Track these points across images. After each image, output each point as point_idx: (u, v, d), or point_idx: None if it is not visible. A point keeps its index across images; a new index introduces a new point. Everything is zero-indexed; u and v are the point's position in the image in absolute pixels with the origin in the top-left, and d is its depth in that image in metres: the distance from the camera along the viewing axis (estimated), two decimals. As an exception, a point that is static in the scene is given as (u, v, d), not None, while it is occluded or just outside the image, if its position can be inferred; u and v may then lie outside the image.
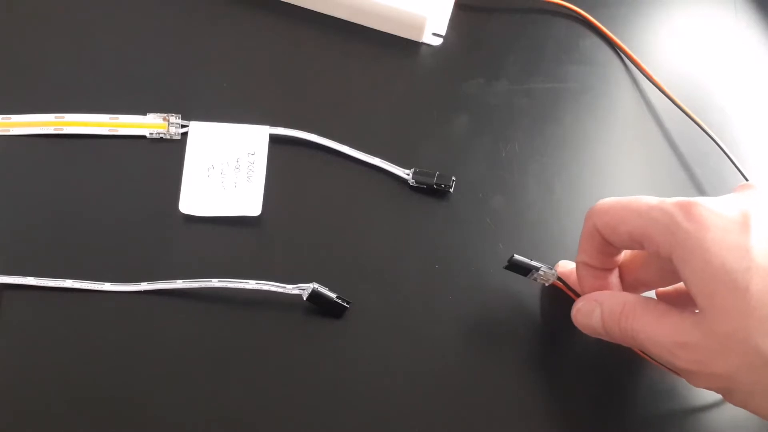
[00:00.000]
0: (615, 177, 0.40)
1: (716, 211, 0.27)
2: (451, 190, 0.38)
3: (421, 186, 0.38)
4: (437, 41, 0.44)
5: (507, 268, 0.34)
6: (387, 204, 0.38)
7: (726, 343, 0.26)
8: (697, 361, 0.27)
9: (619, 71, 0.44)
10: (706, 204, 0.27)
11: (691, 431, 0.34)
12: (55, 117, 0.38)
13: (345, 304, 0.34)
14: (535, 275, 0.34)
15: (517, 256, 0.33)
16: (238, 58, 0.42)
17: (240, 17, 0.44)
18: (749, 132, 0.43)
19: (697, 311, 0.27)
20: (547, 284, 0.35)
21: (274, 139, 0.39)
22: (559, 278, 0.34)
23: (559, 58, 0.44)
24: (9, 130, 0.38)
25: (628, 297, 0.30)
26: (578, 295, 0.33)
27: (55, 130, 0.38)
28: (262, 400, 0.33)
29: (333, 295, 0.34)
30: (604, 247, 0.31)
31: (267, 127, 0.39)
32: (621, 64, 0.44)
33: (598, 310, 0.31)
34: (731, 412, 0.34)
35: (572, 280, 0.34)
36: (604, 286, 0.33)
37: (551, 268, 0.34)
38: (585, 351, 0.35)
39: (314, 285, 0.34)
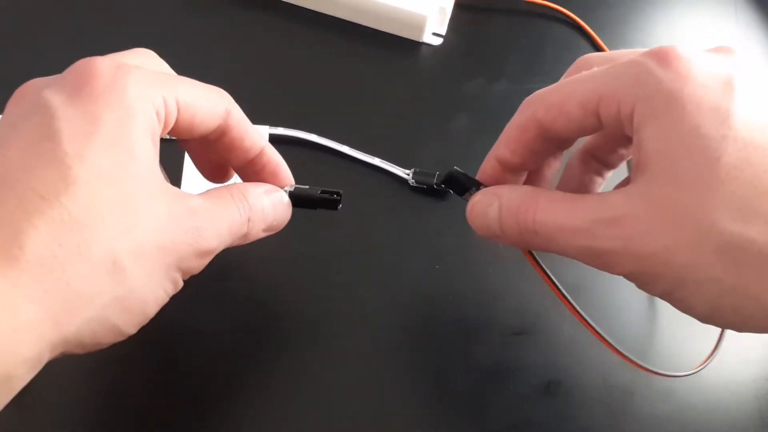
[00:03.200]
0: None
1: (697, 62, 0.22)
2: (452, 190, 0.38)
3: (421, 186, 0.38)
4: (437, 41, 0.44)
5: (443, 182, 0.29)
6: (387, 204, 0.38)
7: (673, 216, 0.22)
8: (627, 238, 0.23)
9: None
10: (685, 52, 0.23)
11: (690, 431, 0.34)
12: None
13: (335, 197, 0.30)
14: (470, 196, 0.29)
15: (457, 168, 0.29)
16: (238, 58, 0.42)
17: (240, 17, 0.44)
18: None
19: (632, 183, 0.23)
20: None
21: (274, 139, 0.39)
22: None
23: (559, 58, 0.44)
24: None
25: (530, 188, 0.26)
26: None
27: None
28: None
29: (317, 191, 0.30)
30: (536, 141, 0.27)
31: (267, 127, 0.39)
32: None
33: (496, 204, 0.27)
34: (731, 412, 0.34)
35: None
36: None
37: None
38: (589, 349, 0.35)
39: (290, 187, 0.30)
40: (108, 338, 0.23)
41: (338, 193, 0.30)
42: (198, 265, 0.25)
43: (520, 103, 0.45)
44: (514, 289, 0.36)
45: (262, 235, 0.29)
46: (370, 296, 0.35)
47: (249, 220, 0.27)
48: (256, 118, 0.39)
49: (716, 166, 0.21)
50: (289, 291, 0.35)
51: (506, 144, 0.27)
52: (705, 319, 0.24)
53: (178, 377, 0.33)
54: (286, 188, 0.30)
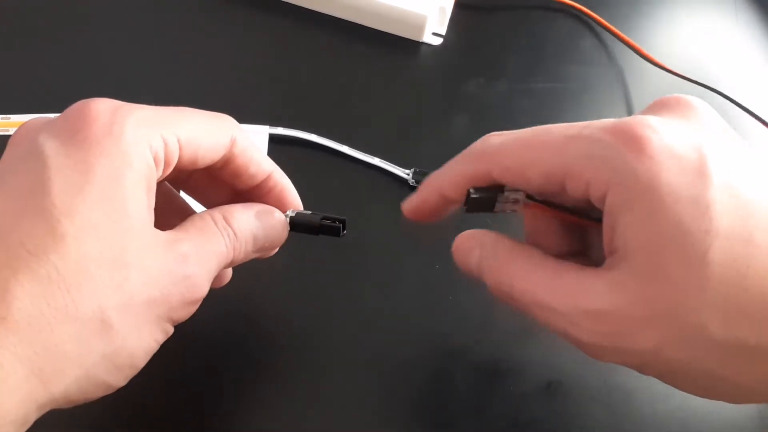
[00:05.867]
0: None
1: (668, 144, 0.21)
2: (451, 190, 0.38)
3: (421, 186, 0.38)
4: (437, 41, 0.44)
5: (468, 209, 0.27)
6: (387, 204, 0.38)
7: (663, 315, 0.21)
8: (611, 334, 0.22)
9: (618, 71, 0.44)
10: (654, 133, 0.21)
11: (691, 431, 0.34)
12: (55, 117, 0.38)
13: (337, 224, 0.29)
14: (502, 206, 0.27)
15: (473, 192, 0.26)
16: (238, 57, 0.42)
17: (240, 17, 0.44)
18: (750, 131, 0.43)
19: (613, 269, 0.22)
20: (519, 212, 0.27)
21: (274, 139, 0.39)
22: (529, 197, 0.26)
23: (559, 58, 0.44)
24: (9, 130, 0.38)
25: (509, 244, 0.26)
26: (569, 211, 0.26)
27: (54, 130, 0.38)
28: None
29: (319, 218, 0.29)
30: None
31: (267, 127, 0.39)
32: (621, 63, 0.44)
33: (478, 252, 0.26)
34: (731, 412, 0.34)
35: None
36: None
37: (516, 190, 0.26)
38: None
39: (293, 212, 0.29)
40: (97, 393, 0.22)
41: (340, 221, 0.29)
42: (188, 313, 0.24)
43: (520, 103, 0.45)
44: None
45: (253, 256, 0.28)
46: (369, 296, 0.35)
47: (234, 249, 0.26)
48: (256, 118, 0.39)
49: (702, 264, 0.20)
50: (287, 291, 0.35)
51: (450, 184, 0.26)
52: (697, 395, 0.24)
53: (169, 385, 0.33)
54: (288, 213, 0.29)
